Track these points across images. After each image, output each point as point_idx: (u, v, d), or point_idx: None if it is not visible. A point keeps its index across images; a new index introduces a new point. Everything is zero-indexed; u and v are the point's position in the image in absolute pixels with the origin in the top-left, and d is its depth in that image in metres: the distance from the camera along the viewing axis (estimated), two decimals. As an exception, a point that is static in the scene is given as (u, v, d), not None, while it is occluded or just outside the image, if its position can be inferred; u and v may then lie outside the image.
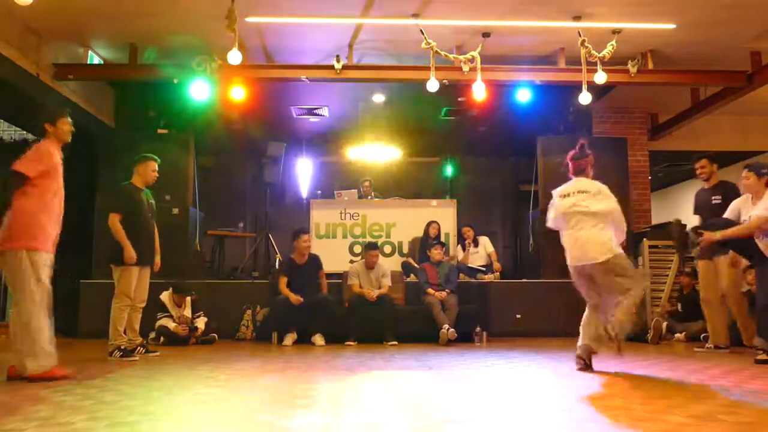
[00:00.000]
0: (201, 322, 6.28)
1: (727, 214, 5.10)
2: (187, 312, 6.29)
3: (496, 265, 7.83)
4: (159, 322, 6.14)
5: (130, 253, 4.91)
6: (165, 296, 6.28)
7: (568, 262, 4.27)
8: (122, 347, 4.94)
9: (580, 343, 4.27)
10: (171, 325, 6.10)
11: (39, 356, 3.71)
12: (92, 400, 3.09)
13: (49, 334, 3.82)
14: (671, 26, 6.40)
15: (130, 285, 5.00)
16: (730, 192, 5.47)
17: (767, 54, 6.97)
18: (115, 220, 4.98)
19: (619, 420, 2.67)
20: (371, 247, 6.82)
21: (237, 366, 4.56)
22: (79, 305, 6.87)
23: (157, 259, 5.31)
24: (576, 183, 4.34)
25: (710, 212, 5.56)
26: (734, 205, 5.08)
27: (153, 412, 2.88)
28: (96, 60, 7.18)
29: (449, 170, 10.19)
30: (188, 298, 6.35)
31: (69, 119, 4.10)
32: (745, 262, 5.25)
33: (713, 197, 5.59)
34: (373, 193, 8.57)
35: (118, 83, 8.05)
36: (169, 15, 6.17)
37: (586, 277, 4.23)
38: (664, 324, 6.47)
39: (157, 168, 5.30)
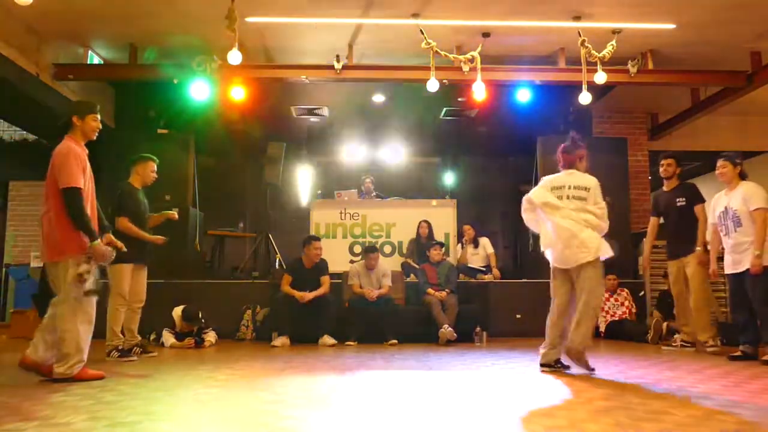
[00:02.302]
0: (212, 336, 6.11)
1: (709, 212, 5.22)
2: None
3: (495, 272, 7.73)
4: (164, 332, 6.02)
5: (157, 239, 5.15)
6: (176, 314, 6.10)
7: None
8: (119, 347, 4.95)
9: None
10: (170, 341, 5.93)
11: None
12: (92, 400, 3.10)
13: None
14: (671, 26, 6.40)
15: (124, 283, 4.97)
16: (693, 194, 5.54)
17: (767, 54, 6.97)
18: (125, 223, 5.00)
19: (618, 420, 2.68)
20: (370, 251, 6.82)
21: (237, 366, 4.57)
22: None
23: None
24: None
25: (677, 214, 5.60)
26: (714, 202, 5.16)
27: (153, 412, 2.89)
28: (96, 60, 7.18)
29: (449, 170, 10.18)
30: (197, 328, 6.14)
31: (98, 116, 4.08)
32: (713, 260, 5.29)
33: (677, 199, 5.61)
34: (374, 191, 8.54)
35: (118, 83, 8.05)
36: (169, 15, 6.17)
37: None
38: (665, 324, 6.47)
39: (156, 169, 5.30)
